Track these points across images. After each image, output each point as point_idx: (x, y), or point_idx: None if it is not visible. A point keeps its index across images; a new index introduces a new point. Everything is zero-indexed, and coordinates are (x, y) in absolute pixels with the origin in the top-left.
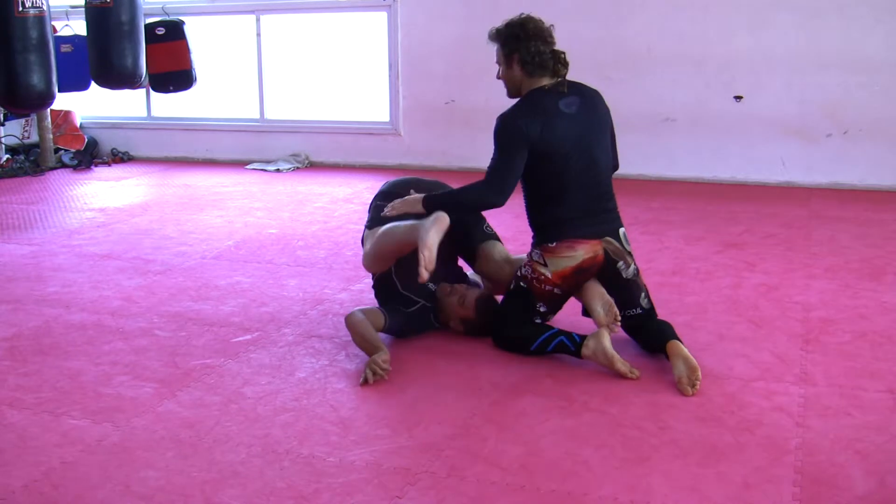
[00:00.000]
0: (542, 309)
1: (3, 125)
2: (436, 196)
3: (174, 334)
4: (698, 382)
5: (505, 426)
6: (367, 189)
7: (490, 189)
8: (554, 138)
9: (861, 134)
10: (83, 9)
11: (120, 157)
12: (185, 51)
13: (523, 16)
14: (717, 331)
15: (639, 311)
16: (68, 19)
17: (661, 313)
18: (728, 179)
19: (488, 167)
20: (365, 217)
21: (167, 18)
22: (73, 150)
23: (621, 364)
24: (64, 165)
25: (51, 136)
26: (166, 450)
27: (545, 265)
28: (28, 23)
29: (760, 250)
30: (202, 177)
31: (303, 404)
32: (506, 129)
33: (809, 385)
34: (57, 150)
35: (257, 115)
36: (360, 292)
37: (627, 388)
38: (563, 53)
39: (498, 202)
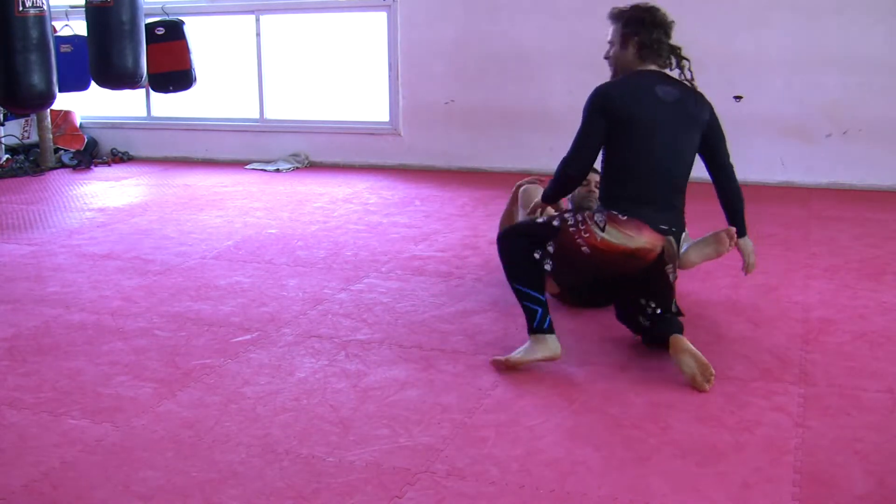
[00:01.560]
0: (547, 262)
1: (2, 125)
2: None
3: (174, 334)
4: (712, 377)
5: (504, 426)
6: (366, 189)
7: (567, 162)
8: (641, 114)
9: (860, 134)
10: (83, 9)
11: (120, 157)
12: (185, 51)
13: (650, 4)
14: (716, 331)
15: (668, 315)
16: (68, 19)
17: None
18: None
19: (577, 136)
20: (364, 217)
21: (167, 18)
22: (72, 150)
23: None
24: (64, 165)
25: (51, 136)
26: (166, 450)
27: (602, 230)
28: (28, 22)
29: (760, 250)
30: (202, 177)
31: (302, 404)
32: (593, 97)
33: (809, 385)
34: (57, 150)
35: (257, 115)
36: (360, 292)
37: (627, 389)
38: (681, 48)
39: (573, 173)
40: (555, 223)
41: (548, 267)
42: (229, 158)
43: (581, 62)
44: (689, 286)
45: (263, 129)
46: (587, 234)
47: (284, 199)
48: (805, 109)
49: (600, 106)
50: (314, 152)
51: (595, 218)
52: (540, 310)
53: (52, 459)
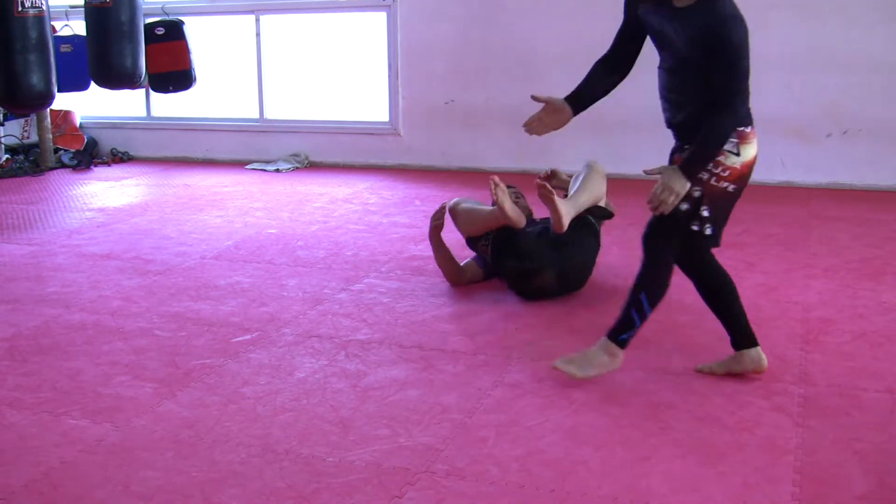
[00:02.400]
0: (705, 213)
1: (2, 125)
2: (692, 158)
3: (174, 334)
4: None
5: (504, 426)
6: (366, 189)
7: (742, 105)
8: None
9: (861, 134)
10: (82, 9)
11: (119, 157)
12: (185, 51)
13: None
14: (716, 331)
15: None
16: (67, 19)
17: (662, 313)
18: None
19: (732, 81)
20: (364, 217)
21: (166, 18)
22: (72, 150)
23: None
24: (63, 165)
25: (50, 136)
26: (166, 450)
27: (737, 154)
28: (28, 23)
29: (760, 250)
30: (202, 177)
31: (302, 404)
32: (743, 30)
33: (809, 385)
34: (56, 150)
35: (257, 115)
36: (360, 292)
37: (627, 389)
38: None
39: (747, 110)
40: (695, 192)
41: (709, 231)
42: (229, 158)
43: (581, 62)
44: (689, 286)
45: (263, 129)
46: (726, 173)
47: (284, 199)
48: (805, 109)
49: (747, 36)
50: (314, 152)
51: (727, 149)
52: (637, 326)
53: (52, 459)
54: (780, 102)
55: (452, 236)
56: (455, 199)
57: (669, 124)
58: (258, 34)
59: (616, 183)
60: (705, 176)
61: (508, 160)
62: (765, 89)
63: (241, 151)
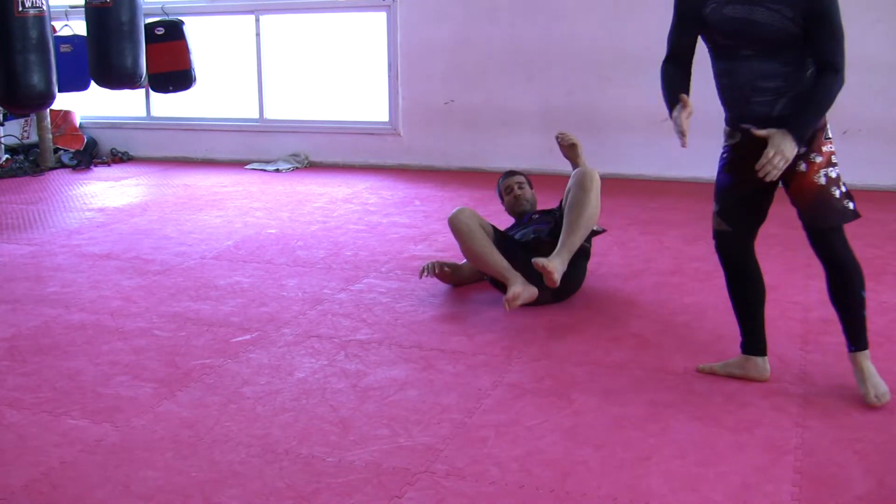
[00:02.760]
0: (844, 188)
1: (2, 125)
2: (803, 121)
3: (173, 334)
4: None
5: (504, 426)
6: (366, 189)
7: (842, 66)
8: None
9: (861, 134)
10: (82, 9)
11: (119, 157)
12: (185, 51)
13: None
14: (716, 331)
15: None
16: (67, 19)
17: (661, 314)
18: None
19: (839, 51)
20: (364, 217)
21: (166, 18)
22: (72, 150)
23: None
24: (63, 165)
25: (50, 136)
26: (165, 450)
27: (830, 137)
28: (28, 23)
29: (760, 250)
30: (201, 177)
31: (302, 404)
32: None
33: (809, 385)
34: (56, 150)
35: (257, 115)
36: (360, 292)
37: (627, 389)
38: None
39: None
40: (833, 173)
41: (853, 206)
42: (229, 158)
43: (580, 62)
44: (689, 286)
45: (263, 129)
46: (832, 146)
47: (284, 199)
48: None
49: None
50: (314, 152)
51: (827, 130)
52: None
53: (51, 459)
54: None
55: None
56: (460, 214)
57: (763, 119)
58: (258, 34)
59: (613, 183)
60: (834, 158)
61: (507, 160)
62: None
63: (241, 151)
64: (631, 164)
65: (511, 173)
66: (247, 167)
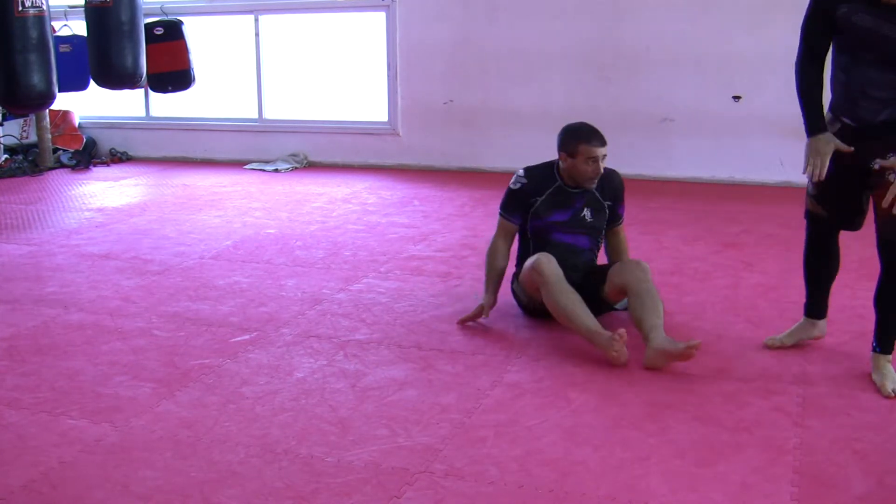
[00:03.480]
0: None
1: (1, 125)
2: None
3: (172, 334)
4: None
5: (503, 426)
6: (365, 189)
7: None
8: None
9: None
10: (82, 9)
11: (118, 157)
12: (184, 51)
13: None
14: (715, 331)
15: None
16: (67, 19)
17: None
18: (726, 179)
19: None
20: (363, 217)
21: (166, 18)
22: (71, 150)
23: None
24: (62, 165)
25: (49, 136)
26: (164, 450)
27: None
28: (28, 22)
29: (759, 250)
30: (200, 177)
31: (301, 404)
32: None
33: (808, 385)
34: (55, 150)
35: (256, 115)
36: (359, 292)
37: (626, 389)
38: None
39: None
40: None
41: None
42: (228, 158)
43: (580, 62)
44: (688, 286)
45: (262, 129)
46: None
47: (283, 200)
48: None
49: None
50: (313, 152)
51: None
52: None
53: (50, 459)
54: (779, 102)
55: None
56: (547, 262)
57: (867, 124)
58: (257, 34)
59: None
60: None
61: (506, 160)
62: (763, 89)
63: (240, 151)
64: (630, 163)
65: (599, 135)
66: (246, 167)
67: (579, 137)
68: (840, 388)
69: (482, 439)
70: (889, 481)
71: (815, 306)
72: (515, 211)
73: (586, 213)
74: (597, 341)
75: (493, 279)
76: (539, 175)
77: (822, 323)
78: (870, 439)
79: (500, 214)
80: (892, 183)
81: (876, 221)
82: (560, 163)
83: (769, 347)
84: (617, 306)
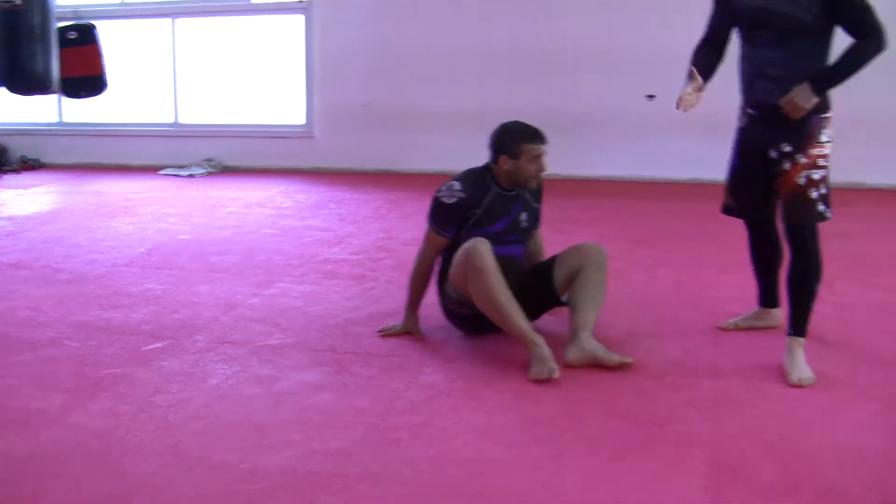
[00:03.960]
0: (824, 190)
1: None
2: (825, 76)
3: (83, 344)
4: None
5: (418, 427)
6: (280, 193)
7: (884, 34)
8: None
9: None
10: None
11: (30, 165)
12: (98, 55)
13: None
14: (629, 327)
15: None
16: None
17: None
18: (641, 177)
19: (868, 16)
20: (278, 221)
21: (79, 22)
22: None
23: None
24: None
25: None
26: (75, 462)
27: (830, 140)
28: None
29: (672, 246)
30: (114, 183)
31: (215, 411)
32: None
33: (718, 378)
34: None
35: (171, 120)
36: (274, 297)
37: (539, 387)
38: None
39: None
40: (815, 175)
41: (827, 212)
42: (142, 164)
43: (496, 63)
44: None
45: (177, 133)
46: (825, 151)
47: (198, 205)
48: (717, 106)
49: None
50: (228, 157)
51: (824, 140)
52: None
53: None
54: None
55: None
56: (483, 248)
57: (763, 106)
58: (173, 38)
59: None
60: (822, 161)
61: (423, 162)
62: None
63: (155, 157)
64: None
65: (540, 132)
66: (160, 172)
67: (521, 137)
68: (749, 381)
69: (397, 441)
70: (796, 469)
71: (763, 295)
72: (450, 225)
73: (523, 217)
74: (532, 351)
75: (419, 297)
76: (474, 184)
77: (775, 312)
78: (777, 429)
79: (432, 229)
80: (788, 171)
81: (781, 209)
82: (496, 166)
83: (723, 329)
84: (563, 299)
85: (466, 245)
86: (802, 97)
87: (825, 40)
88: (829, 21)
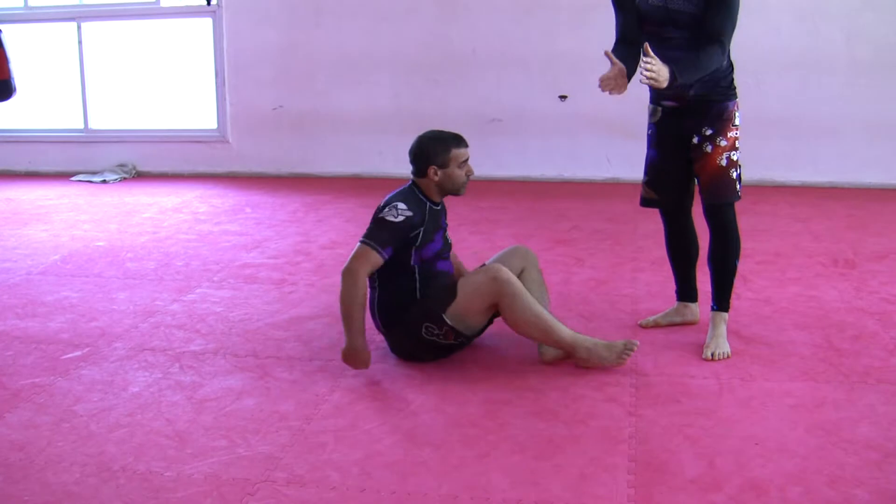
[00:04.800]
0: (736, 157)
1: None
2: (681, 66)
3: (0, 354)
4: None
5: (343, 431)
6: (196, 198)
7: (727, 49)
8: None
9: None
10: None
11: None
12: (3, 60)
13: None
14: None
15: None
16: None
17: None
18: (555, 178)
19: (728, 27)
20: (194, 226)
21: None
22: None
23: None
24: None
25: None
26: None
27: (738, 125)
28: None
29: (589, 245)
30: (25, 190)
31: (137, 419)
32: None
33: (640, 375)
34: None
35: (81, 126)
36: (193, 303)
37: (463, 387)
38: None
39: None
40: (734, 156)
41: (739, 186)
42: (53, 171)
43: (407, 64)
44: None
45: (88, 139)
46: (737, 132)
47: (112, 211)
48: (629, 107)
49: None
50: (141, 162)
51: (735, 121)
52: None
53: None
54: (604, 101)
55: None
56: (508, 272)
57: (682, 97)
58: (80, 41)
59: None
60: (737, 143)
61: (337, 165)
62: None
63: (66, 163)
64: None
65: (461, 136)
66: (72, 179)
67: (448, 144)
68: (671, 377)
69: (322, 445)
70: (719, 463)
71: (680, 289)
72: (392, 245)
73: (447, 230)
74: (590, 349)
75: (362, 317)
76: (415, 203)
77: (693, 307)
78: (700, 424)
79: (371, 247)
80: (710, 153)
81: (700, 192)
82: (424, 179)
83: (643, 327)
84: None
85: (492, 275)
86: (663, 76)
87: None
88: (703, 12)
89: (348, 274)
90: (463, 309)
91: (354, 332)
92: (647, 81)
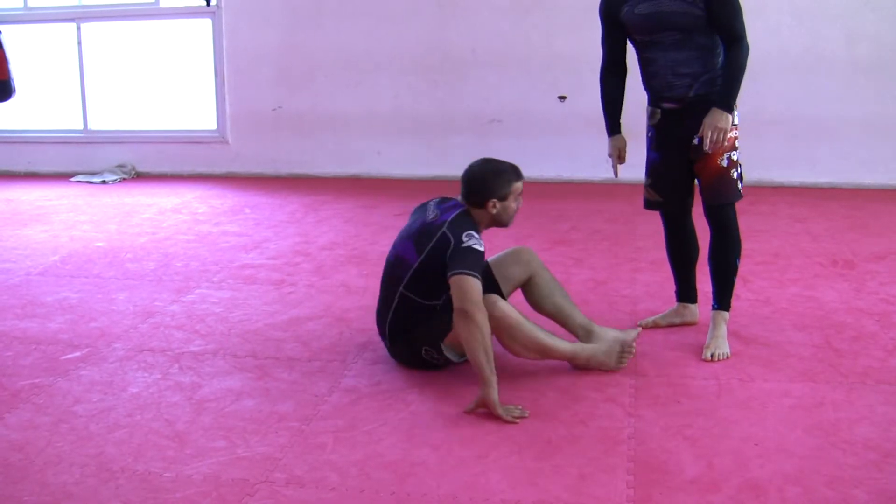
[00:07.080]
0: (736, 157)
1: None
2: (727, 92)
3: None
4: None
5: (342, 431)
6: (195, 198)
7: (746, 39)
8: None
9: None
10: None
11: None
12: (3, 60)
13: None
14: (548, 327)
15: None
16: None
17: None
18: (554, 178)
19: (739, 21)
20: (193, 227)
21: None
22: None
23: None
24: None
25: None
26: None
27: (737, 124)
28: None
29: (588, 246)
30: (24, 191)
31: (136, 420)
32: None
33: (640, 376)
34: None
35: (81, 126)
36: (192, 303)
37: (462, 388)
38: None
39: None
40: (735, 156)
41: (740, 186)
42: (53, 171)
43: (407, 65)
44: None
45: (88, 140)
46: (737, 131)
47: (112, 212)
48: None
49: None
50: (141, 163)
51: (734, 117)
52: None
53: None
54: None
55: None
56: (501, 303)
57: (682, 99)
58: (80, 42)
59: (439, 185)
60: (737, 143)
61: (336, 165)
62: (588, 89)
63: (66, 164)
64: (458, 165)
65: (520, 171)
66: (72, 179)
67: (510, 177)
68: (670, 378)
69: (321, 446)
70: (717, 464)
71: (680, 290)
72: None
73: None
74: (592, 355)
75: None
76: (476, 230)
77: (693, 307)
78: (699, 425)
79: (474, 276)
80: (711, 154)
81: (701, 193)
82: (481, 211)
83: (643, 327)
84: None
85: (488, 307)
86: (722, 121)
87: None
88: (708, 16)
89: (477, 308)
90: (457, 340)
91: (485, 373)
92: (715, 145)
